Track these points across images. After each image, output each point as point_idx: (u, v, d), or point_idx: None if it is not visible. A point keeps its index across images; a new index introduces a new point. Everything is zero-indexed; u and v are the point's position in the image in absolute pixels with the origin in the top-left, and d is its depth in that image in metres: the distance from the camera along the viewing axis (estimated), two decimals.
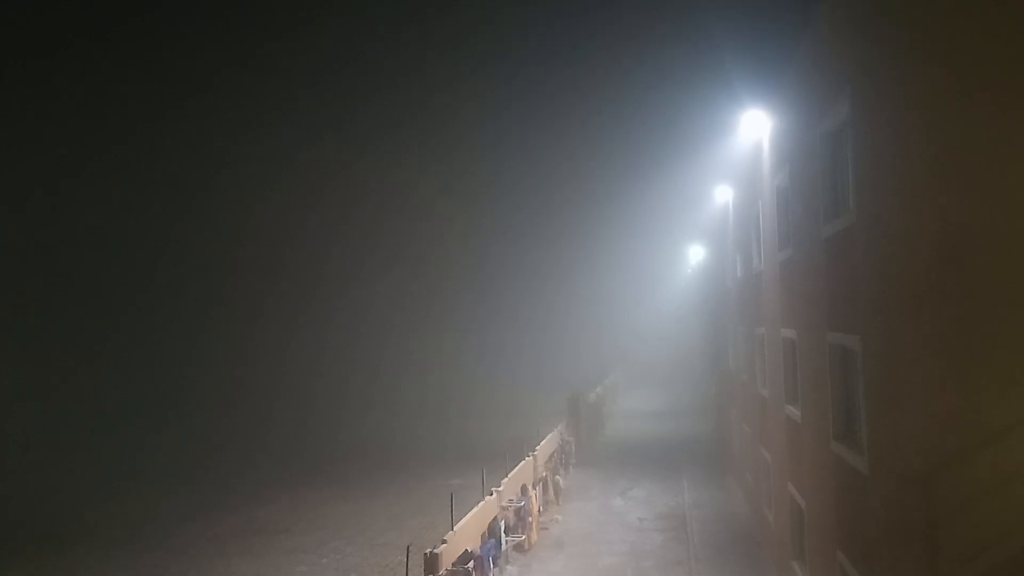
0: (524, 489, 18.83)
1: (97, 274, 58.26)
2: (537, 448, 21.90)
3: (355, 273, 71.37)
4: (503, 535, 16.33)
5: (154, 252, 63.17)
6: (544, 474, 21.61)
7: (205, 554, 20.09)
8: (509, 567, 16.64)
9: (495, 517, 16.31)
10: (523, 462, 20.05)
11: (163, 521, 24.06)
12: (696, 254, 39.91)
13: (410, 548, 12.31)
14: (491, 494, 16.64)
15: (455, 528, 13.85)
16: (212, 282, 63.80)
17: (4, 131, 53.00)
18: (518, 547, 17.58)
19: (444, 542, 13.02)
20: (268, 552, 19.89)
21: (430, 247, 75.80)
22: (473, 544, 14.42)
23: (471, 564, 13.26)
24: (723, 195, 23.61)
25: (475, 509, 15.41)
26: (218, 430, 43.45)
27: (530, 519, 18.10)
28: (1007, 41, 6.69)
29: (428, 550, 12.62)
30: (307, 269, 69.99)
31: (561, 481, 23.17)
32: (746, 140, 16.72)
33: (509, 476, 18.38)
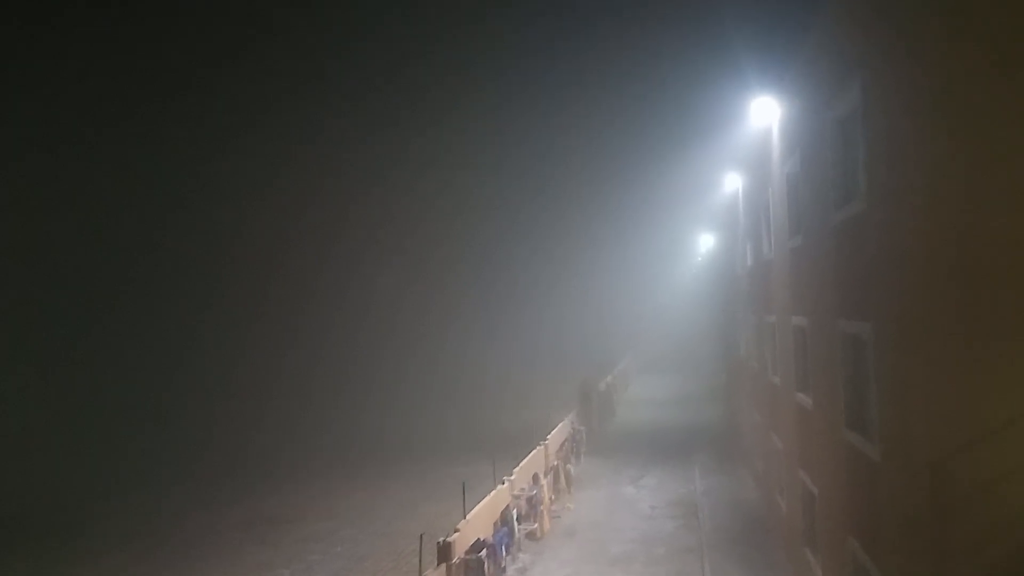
0: (536, 478, 18.93)
1: (95, 273, 58.36)
2: (548, 437, 21.99)
3: (360, 258, 71.23)
4: (515, 523, 16.44)
5: (152, 249, 63.22)
6: (555, 463, 21.70)
7: (218, 543, 20.31)
8: (521, 555, 16.74)
9: (507, 506, 16.41)
10: (534, 451, 20.15)
11: (174, 512, 24.24)
12: (706, 242, 39.78)
13: (423, 536, 12.40)
14: (503, 483, 16.74)
15: (467, 516, 13.94)
16: (212, 274, 63.70)
17: (1, 130, 53.08)
18: (530, 535, 17.70)
19: (457, 531, 13.12)
20: (281, 541, 20.09)
21: (443, 232, 75.55)
22: (486, 532, 14.53)
23: (484, 552, 13.37)
24: (733, 183, 23.50)
25: (487, 498, 15.52)
26: (223, 423, 43.48)
27: (542, 507, 18.21)
28: None
29: (441, 539, 12.72)
30: (310, 257, 69.84)
31: (572, 469, 23.25)
32: (756, 127, 16.61)
33: (521, 465, 18.48)
